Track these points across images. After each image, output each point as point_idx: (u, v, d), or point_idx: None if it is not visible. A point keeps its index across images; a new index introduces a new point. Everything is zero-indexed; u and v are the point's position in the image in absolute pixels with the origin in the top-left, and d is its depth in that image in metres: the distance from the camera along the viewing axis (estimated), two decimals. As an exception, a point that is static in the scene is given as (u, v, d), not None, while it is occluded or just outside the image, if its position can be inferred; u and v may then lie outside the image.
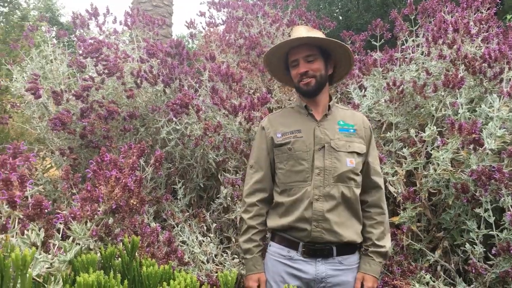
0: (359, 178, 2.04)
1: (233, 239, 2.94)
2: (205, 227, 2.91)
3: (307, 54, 2.05)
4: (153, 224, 2.60)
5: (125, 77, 3.09)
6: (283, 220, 2.04)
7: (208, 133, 2.98)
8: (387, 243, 2.04)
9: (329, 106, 2.10)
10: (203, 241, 2.74)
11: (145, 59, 3.25)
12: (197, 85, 3.36)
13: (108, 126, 2.98)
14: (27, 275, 1.14)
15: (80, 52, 3.21)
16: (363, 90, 3.43)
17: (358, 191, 2.04)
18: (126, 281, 1.30)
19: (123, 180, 1.67)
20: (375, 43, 3.53)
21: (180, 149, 3.13)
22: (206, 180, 3.26)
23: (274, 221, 2.08)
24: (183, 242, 2.72)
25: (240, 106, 3.10)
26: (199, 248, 2.67)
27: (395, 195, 2.79)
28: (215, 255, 2.74)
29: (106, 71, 2.96)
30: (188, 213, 2.95)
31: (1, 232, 1.28)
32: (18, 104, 3.89)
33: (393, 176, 2.82)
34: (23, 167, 1.40)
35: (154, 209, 2.91)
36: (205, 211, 3.00)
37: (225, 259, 2.73)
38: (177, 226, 2.78)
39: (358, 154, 2.04)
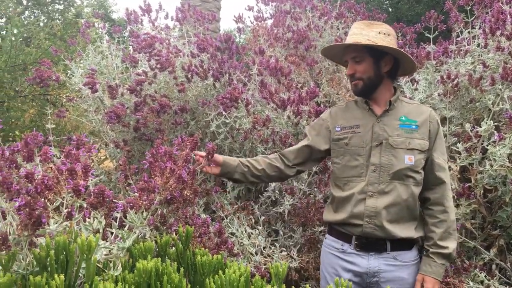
0: (419, 176, 1.99)
1: (281, 232, 2.97)
2: (253, 220, 2.94)
3: (353, 56, 2.05)
4: (203, 216, 2.65)
5: (176, 71, 3.16)
6: (337, 215, 2.07)
7: (257, 126, 3.01)
8: (450, 244, 1.95)
9: (390, 101, 2.05)
10: (252, 233, 2.77)
11: (195, 53, 3.31)
12: (246, 79, 3.39)
13: (160, 120, 3.06)
14: (92, 260, 1.20)
15: (134, 47, 3.30)
16: (415, 84, 3.34)
17: (417, 189, 1.99)
18: (182, 269, 1.35)
19: (178, 172, 1.71)
20: (428, 35, 3.43)
21: (229, 143, 3.17)
22: (254, 173, 3.29)
23: (330, 215, 2.12)
24: (232, 233, 2.76)
25: (289, 100, 3.11)
26: (248, 240, 2.71)
27: (448, 191, 2.72)
28: (264, 248, 2.77)
29: (158, 65, 3.04)
30: (236, 206, 2.99)
31: (66, 219, 1.35)
32: (74, 98, 4.06)
33: (446, 172, 2.75)
34: (85, 157, 1.47)
35: (204, 201, 2.98)
36: (254, 204, 3.03)
37: (273, 251, 2.76)
38: (226, 218, 2.83)
39: (420, 151, 1.98)
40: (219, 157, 2.10)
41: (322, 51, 2.22)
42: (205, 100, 3.17)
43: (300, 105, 3.13)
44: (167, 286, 1.28)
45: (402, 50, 2.09)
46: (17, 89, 4.73)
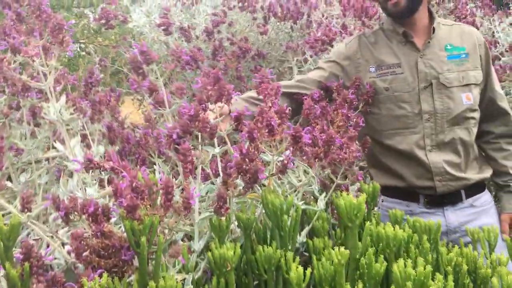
0: (477, 114, 1.70)
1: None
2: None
3: None
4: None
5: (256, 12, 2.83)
6: (395, 181, 1.73)
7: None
8: None
9: (433, 28, 1.68)
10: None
11: (273, -9, 2.96)
12: (327, 20, 3.07)
13: (241, 66, 2.75)
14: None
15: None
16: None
17: (475, 128, 1.71)
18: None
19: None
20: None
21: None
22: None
23: (384, 179, 1.75)
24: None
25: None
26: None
27: None
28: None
29: (239, 4, 2.70)
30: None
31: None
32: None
33: None
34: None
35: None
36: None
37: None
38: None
39: (475, 84, 1.67)
40: None
41: None
42: (289, 44, 2.85)
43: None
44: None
45: None
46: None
